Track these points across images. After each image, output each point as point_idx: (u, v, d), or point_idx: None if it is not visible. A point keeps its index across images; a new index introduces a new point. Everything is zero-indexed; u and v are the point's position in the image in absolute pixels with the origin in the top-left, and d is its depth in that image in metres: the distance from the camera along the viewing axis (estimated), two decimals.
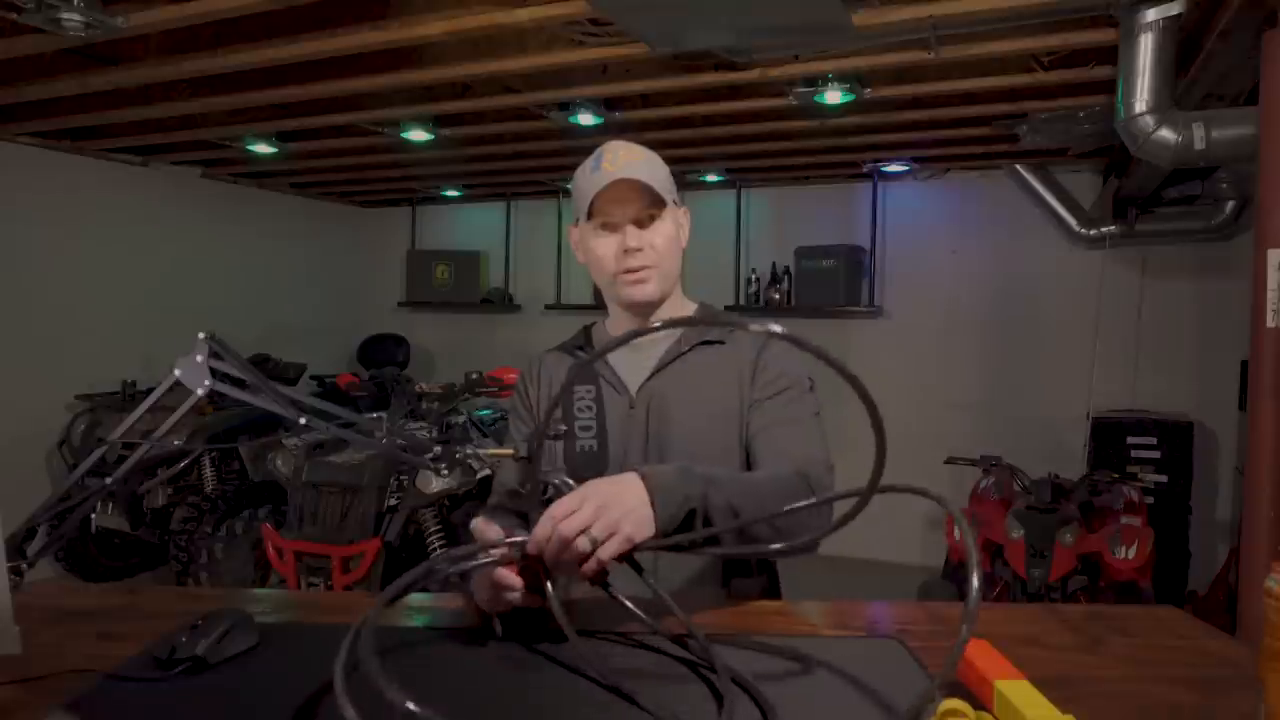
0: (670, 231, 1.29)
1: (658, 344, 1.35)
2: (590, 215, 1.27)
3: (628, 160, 1.25)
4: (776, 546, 1.05)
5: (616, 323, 1.40)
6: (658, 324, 0.82)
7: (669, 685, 0.90)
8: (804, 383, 1.29)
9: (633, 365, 1.33)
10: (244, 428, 4.27)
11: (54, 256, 4.40)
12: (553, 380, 1.38)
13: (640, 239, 1.26)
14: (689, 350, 1.32)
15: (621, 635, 1.01)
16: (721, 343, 1.32)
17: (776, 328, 0.73)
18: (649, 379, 1.32)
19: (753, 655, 0.96)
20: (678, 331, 1.35)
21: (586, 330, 1.44)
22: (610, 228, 1.27)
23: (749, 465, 1.27)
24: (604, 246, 1.28)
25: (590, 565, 0.94)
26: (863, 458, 0.78)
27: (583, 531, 0.92)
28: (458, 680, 0.91)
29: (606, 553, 0.94)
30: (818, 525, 1.07)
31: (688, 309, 1.39)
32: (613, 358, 1.35)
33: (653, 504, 0.97)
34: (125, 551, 4.32)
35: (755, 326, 0.75)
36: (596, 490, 0.97)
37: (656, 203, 1.26)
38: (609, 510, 0.95)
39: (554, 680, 0.90)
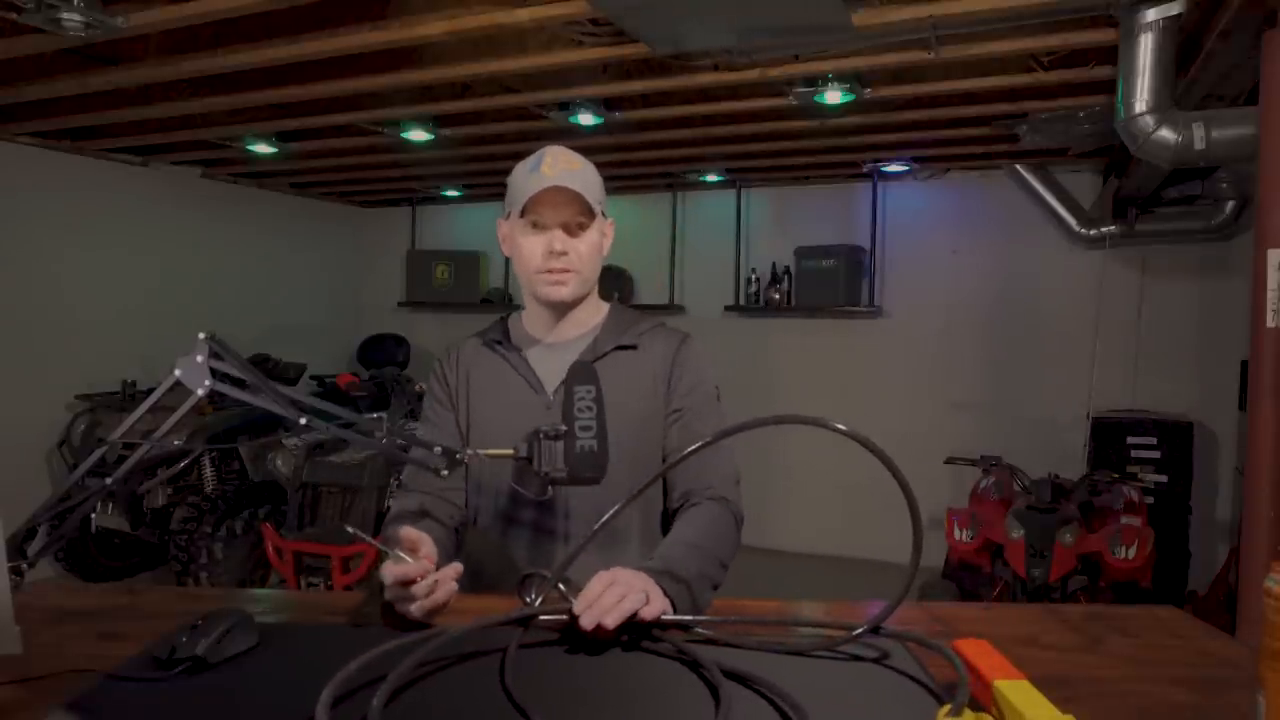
0: (595, 240, 1.36)
1: (573, 345, 1.39)
2: (523, 212, 1.32)
3: (567, 167, 1.31)
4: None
5: (532, 317, 1.44)
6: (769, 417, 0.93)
7: (667, 687, 0.90)
8: (714, 392, 1.41)
9: (550, 365, 1.37)
10: (244, 428, 4.26)
11: (54, 256, 4.40)
12: (470, 369, 1.42)
13: (566, 244, 1.32)
14: (606, 353, 1.37)
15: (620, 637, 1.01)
16: (634, 347, 1.39)
17: (841, 426, 0.89)
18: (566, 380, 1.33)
19: (753, 656, 0.96)
20: (594, 332, 1.40)
21: (503, 321, 1.48)
22: (540, 228, 1.33)
23: (665, 478, 1.37)
24: (531, 244, 1.34)
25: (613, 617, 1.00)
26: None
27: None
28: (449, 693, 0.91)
29: (650, 613, 1.01)
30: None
31: (601, 310, 1.45)
32: (531, 356, 1.40)
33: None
34: (125, 551, 4.32)
35: (838, 426, 0.89)
36: (623, 575, 1.05)
37: (586, 212, 1.33)
38: (638, 587, 1.03)
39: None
